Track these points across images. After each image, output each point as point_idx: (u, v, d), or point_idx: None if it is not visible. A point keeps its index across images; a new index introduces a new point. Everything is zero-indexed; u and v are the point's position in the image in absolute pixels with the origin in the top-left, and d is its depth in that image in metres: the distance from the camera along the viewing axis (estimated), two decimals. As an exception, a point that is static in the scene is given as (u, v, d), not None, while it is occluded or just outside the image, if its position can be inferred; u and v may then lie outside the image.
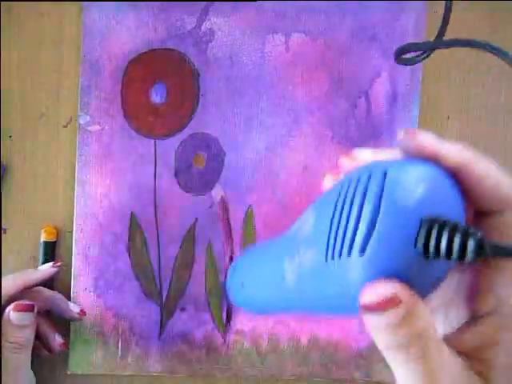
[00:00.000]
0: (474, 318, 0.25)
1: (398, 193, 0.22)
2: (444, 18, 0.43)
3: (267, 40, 0.53)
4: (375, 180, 0.23)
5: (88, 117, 0.52)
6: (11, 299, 0.47)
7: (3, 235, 0.52)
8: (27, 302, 0.47)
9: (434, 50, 0.44)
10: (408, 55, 0.45)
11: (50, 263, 0.51)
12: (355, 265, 0.23)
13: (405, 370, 0.23)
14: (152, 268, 0.53)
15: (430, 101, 0.55)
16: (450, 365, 0.23)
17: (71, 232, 0.52)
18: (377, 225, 0.22)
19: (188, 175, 0.53)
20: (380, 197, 0.22)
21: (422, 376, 0.22)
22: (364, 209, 0.23)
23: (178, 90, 0.53)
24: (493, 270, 0.24)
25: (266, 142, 0.54)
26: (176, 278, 0.53)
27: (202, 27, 0.52)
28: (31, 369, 0.48)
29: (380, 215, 0.22)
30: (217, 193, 0.53)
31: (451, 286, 0.27)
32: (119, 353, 0.53)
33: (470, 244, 0.21)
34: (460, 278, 0.27)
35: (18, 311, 0.47)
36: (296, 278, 0.28)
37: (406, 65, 0.46)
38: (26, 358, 0.48)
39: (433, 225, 0.21)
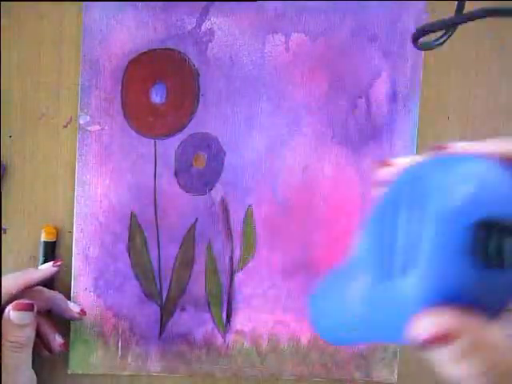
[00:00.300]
0: None
1: (445, 196, 0.20)
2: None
3: (267, 40, 0.53)
4: (415, 190, 0.21)
5: (88, 117, 0.52)
6: (12, 299, 0.47)
7: (3, 235, 0.52)
8: (27, 301, 0.47)
9: (454, 26, 0.40)
10: (426, 39, 0.40)
11: (51, 263, 0.51)
12: (412, 282, 0.21)
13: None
14: (152, 268, 0.53)
15: (430, 101, 0.55)
16: None
17: (71, 232, 0.52)
18: (423, 238, 0.20)
19: (188, 175, 0.53)
20: (427, 203, 0.20)
21: None
22: (409, 224, 0.21)
23: (178, 89, 0.53)
24: None
25: (265, 142, 0.54)
26: (176, 277, 0.53)
27: (202, 27, 0.52)
28: (32, 368, 0.48)
29: (427, 226, 0.20)
30: (217, 193, 0.53)
31: None
32: (119, 353, 0.53)
33: None
34: None
35: (18, 310, 0.47)
36: (362, 307, 0.26)
37: (425, 49, 0.43)
38: (26, 357, 0.48)
39: (489, 228, 0.19)
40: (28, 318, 0.47)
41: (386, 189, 0.25)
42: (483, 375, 0.20)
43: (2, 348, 0.46)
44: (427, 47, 0.42)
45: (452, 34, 0.41)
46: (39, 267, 0.51)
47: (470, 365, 0.20)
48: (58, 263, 0.51)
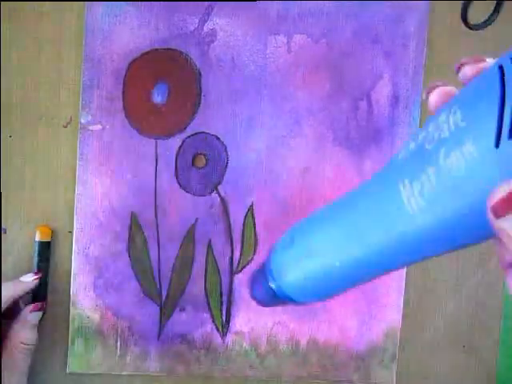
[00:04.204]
0: None
1: None
2: None
3: (269, 41, 0.53)
4: None
5: (89, 116, 0.52)
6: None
7: (3, 235, 0.52)
8: (41, 302, 0.50)
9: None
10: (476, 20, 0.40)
11: (31, 274, 0.51)
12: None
13: None
14: (152, 268, 0.53)
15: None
16: None
17: (71, 232, 0.52)
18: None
19: (189, 175, 0.53)
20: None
21: None
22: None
23: (180, 90, 0.52)
24: None
25: (266, 143, 0.53)
26: (176, 277, 0.53)
27: (205, 28, 0.52)
28: (31, 368, 0.49)
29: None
30: (217, 193, 0.53)
31: None
32: (118, 352, 0.53)
33: None
34: None
35: (37, 311, 0.49)
36: (428, 199, 0.23)
37: (477, 29, 0.43)
38: (30, 357, 0.49)
39: None
40: (39, 317, 0.50)
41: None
42: None
43: (14, 350, 0.47)
44: (479, 27, 0.42)
45: (499, 11, 0.41)
46: (21, 279, 0.50)
47: None
48: (40, 275, 0.51)
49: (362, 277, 0.29)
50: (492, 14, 0.42)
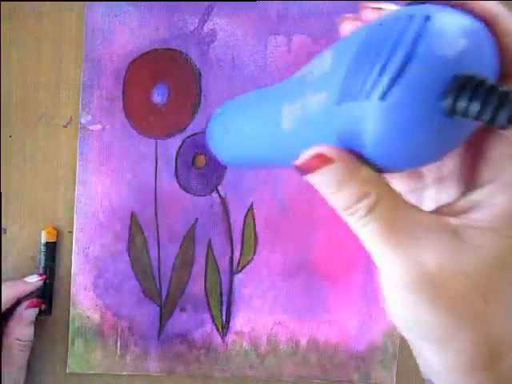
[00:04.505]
0: (468, 190, 0.24)
1: (438, 41, 0.20)
2: None
3: (269, 41, 0.53)
4: (414, 23, 0.20)
5: (89, 116, 0.52)
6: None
7: (3, 235, 0.52)
8: (37, 299, 0.50)
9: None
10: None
11: (36, 275, 0.51)
12: (373, 109, 0.21)
13: (362, 234, 0.23)
14: (152, 268, 0.53)
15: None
16: (419, 222, 0.22)
17: (71, 232, 0.52)
18: (406, 70, 0.20)
19: (188, 175, 0.53)
20: (417, 41, 0.20)
21: (376, 233, 0.22)
22: (397, 51, 0.20)
23: (180, 90, 0.52)
24: (497, 139, 0.23)
25: (266, 143, 0.53)
26: (176, 277, 0.53)
27: (205, 28, 0.52)
28: (31, 368, 0.49)
29: (413, 60, 0.20)
30: (217, 193, 0.53)
31: (447, 161, 0.26)
32: (118, 352, 0.53)
33: (507, 106, 0.19)
34: (458, 152, 0.26)
35: (32, 307, 0.48)
36: (294, 125, 0.26)
37: None
38: (28, 354, 0.49)
39: (467, 83, 0.19)
40: (35, 314, 0.49)
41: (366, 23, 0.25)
42: (360, 206, 0.22)
43: (12, 348, 0.47)
44: None
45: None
46: (26, 280, 0.50)
47: (345, 194, 0.22)
48: (44, 277, 0.51)
49: (268, 162, 0.34)
50: None
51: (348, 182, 0.22)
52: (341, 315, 0.54)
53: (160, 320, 0.53)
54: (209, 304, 0.54)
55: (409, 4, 0.23)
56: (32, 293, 0.50)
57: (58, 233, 0.53)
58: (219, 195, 0.53)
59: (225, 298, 0.54)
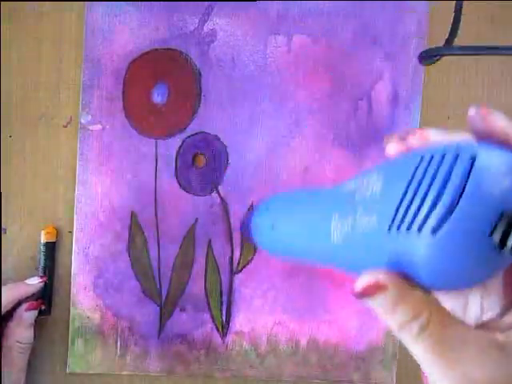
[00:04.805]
0: None
1: (485, 180, 0.22)
2: (454, 19, 0.41)
3: (269, 41, 0.53)
4: (462, 162, 0.22)
5: (89, 116, 0.52)
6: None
7: (3, 235, 0.52)
8: (37, 301, 0.50)
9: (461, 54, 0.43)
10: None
11: (36, 277, 0.51)
12: (424, 242, 0.22)
13: (414, 349, 0.23)
14: (152, 268, 0.53)
15: (430, 101, 0.55)
16: (468, 339, 0.23)
17: (71, 232, 0.52)
18: (456, 207, 0.21)
19: (189, 175, 0.53)
20: (466, 180, 0.22)
21: (428, 351, 0.23)
22: (447, 188, 0.22)
23: (180, 90, 0.52)
24: None
25: (266, 143, 0.53)
26: (176, 277, 0.53)
27: (205, 28, 0.52)
28: (31, 368, 0.49)
29: (462, 198, 0.21)
30: (217, 193, 0.53)
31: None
32: (118, 352, 0.53)
33: None
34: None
35: (32, 310, 0.48)
36: (344, 239, 0.28)
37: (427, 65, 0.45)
38: (27, 356, 0.49)
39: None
40: (35, 316, 0.49)
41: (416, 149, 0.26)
42: (410, 326, 0.23)
43: (11, 350, 0.47)
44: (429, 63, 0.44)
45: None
46: (27, 282, 0.50)
47: (397, 317, 0.23)
48: (45, 279, 0.51)
49: (319, 262, 0.36)
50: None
51: (401, 305, 0.23)
52: (341, 315, 0.54)
53: (160, 320, 0.53)
54: (209, 304, 0.54)
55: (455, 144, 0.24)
56: (33, 295, 0.50)
57: (58, 233, 0.53)
58: (219, 195, 0.53)
59: (225, 298, 0.54)
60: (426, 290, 0.24)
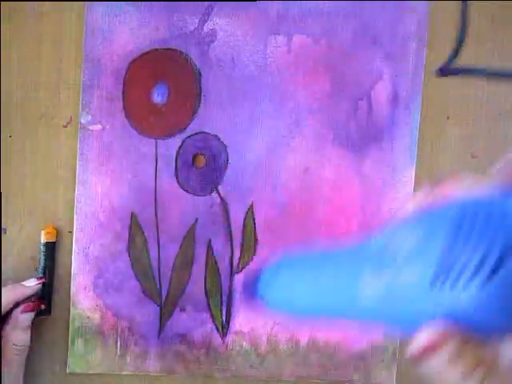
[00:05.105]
0: None
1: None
2: (462, 22, 0.41)
3: (269, 41, 0.53)
4: (507, 222, 0.22)
5: (89, 116, 0.52)
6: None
7: (3, 235, 0.52)
8: (33, 303, 0.49)
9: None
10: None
11: (34, 279, 0.51)
12: (469, 300, 0.22)
13: None
14: (152, 268, 0.53)
15: (430, 101, 0.55)
16: None
17: (71, 232, 0.52)
18: (502, 268, 0.21)
19: (188, 175, 0.53)
20: (489, 234, 0.22)
21: None
22: (492, 249, 0.22)
23: (180, 90, 0.52)
24: None
25: (266, 143, 0.53)
26: (176, 277, 0.53)
27: (205, 28, 0.52)
28: (31, 368, 0.49)
29: (510, 255, 0.21)
30: (217, 193, 0.53)
31: None
32: (118, 352, 0.53)
33: None
34: None
35: (28, 312, 0.48)
36: (377, 297, 0.27)
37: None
38: (24, 358, 0.49)
39: None
40: (31, 318, 0.49)
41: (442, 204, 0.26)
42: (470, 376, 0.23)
43: (7, 353, 0.47)
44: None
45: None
46: (25, 284, 0.50)
47: (457, 368, 0.23)
48: (43, 280, 0.51)
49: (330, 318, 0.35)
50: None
51: (457, 361, 0.23)
52: (341, 315, 0.54)
53: (160, 320, 0.53)
54: (209, 304, 0.54)
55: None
56: (31, 296, 0.50)
57: (58, 233, 0.53)
58: (219, 195, 0.53)
59: (225, 298, 0.54)
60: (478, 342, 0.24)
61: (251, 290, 0.39)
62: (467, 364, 0.23)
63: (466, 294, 0.22)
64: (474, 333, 0.23)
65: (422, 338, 0.24)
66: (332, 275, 0.32)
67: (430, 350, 0.24)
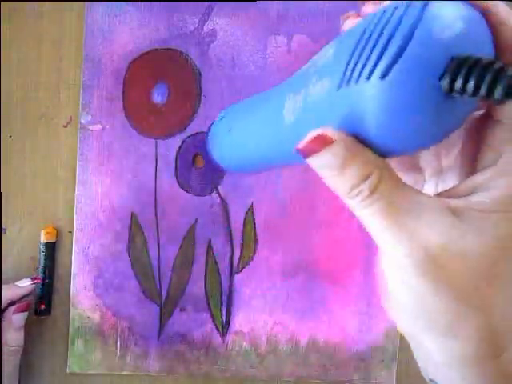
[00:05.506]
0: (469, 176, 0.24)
1: (435, 25, 0.21)
2: None
3: (269, 41, 0.53)
4: (414, 9, 0.21)
5: (89, 116, 0.52)
6: None
7: (3, 235, 0.52)
8: (25, 303, 0.49)
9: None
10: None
11: (28, 279, 0.51)
12: (373, 89, 0.21)
13: (365, 216, 0.22)
14: (152, 268, 0.53)
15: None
16: (422, 203, 0.22)
17: (71, 232, 0.52)
18: (406, 51, 0.20)
19: (188, 175, 0.53)
20: (415, 25, 0.21)
21: (379, 214, 0.21)
22: (396, 34, 0.21)
23: (180, 90, 0.52)
24: (495, 126, 0.23)
25: (266, 143, 0.53)
26: (176, 277, 0.53)
27: (205, 28, 0.52)
28: (31, 368, 0.49)
29: (411, 42, 0.20)
30: (217, 193, 0.53)
31: (446, 153, 0.27)
32: (118, 352, 0.53)
33: (502, 80, 0.19)
34: (457, 143, 0.26)
35: (20, 312, 0.47)
36: (297, 115, 0.26)
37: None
38: (18, 358, 0.49)
39: (464, 62, 0.20)
40: (24, 318, 0.49)
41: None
42: (361, 188, 0.22)
43: (2, 355, 0.47)
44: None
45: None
46: (19, 284, 0.50)
47: (346, 176, 0.22)
48: (37, 280, 0.51)
49: (270, 161, 0.33)
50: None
51: (350, 164, 0.22)
52: (341, 315, 0.54)
53: (160, 320, 0.53)
54: (209, 304, 0.54)
55: None
56: (26, 296, 0.50)
57: (58, 233, 0.53)
58: (219, 195, 0.53)
59: (225, 298, 0.54)
60: (379, 155, 0.23)
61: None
62: (359, 171, 0.22)
63: (370, 86, 0.21)
64: (375, 140, 0.22)
65: (310, 133, 0.23)
66: (263, 105, 0.32)
67: (316, 145, 0.22)
